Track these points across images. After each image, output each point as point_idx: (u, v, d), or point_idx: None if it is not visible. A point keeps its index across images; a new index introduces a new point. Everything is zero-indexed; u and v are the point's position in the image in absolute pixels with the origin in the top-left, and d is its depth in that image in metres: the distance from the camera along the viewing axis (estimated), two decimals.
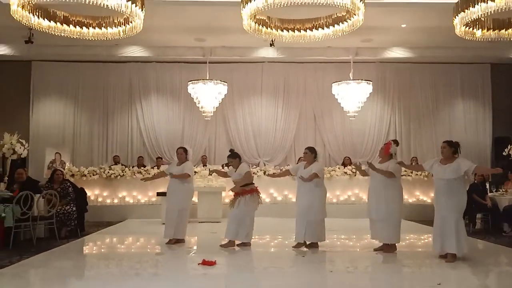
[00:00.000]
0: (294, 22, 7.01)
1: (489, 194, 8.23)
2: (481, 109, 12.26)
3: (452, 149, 5.25)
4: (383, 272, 5.00)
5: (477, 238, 7.04)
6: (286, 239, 6.45)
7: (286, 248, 6.08)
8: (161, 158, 11.35)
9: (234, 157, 6.23)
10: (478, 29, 6.41)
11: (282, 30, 6.97)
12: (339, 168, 10.33)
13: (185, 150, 6.44)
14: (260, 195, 6.15)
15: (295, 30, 6.96)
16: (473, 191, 7.93)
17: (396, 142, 6.05)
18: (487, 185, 8.68)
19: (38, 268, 5.10)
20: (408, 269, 5.07)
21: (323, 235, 5.95)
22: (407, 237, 6.93)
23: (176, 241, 6.27)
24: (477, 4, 5.47)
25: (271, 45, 10.19)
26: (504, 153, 9.78)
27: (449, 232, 5.12)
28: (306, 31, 6.97)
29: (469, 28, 6.39)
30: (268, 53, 10.99)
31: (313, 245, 5.91)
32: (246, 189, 6.01)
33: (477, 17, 5.70)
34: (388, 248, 5.63)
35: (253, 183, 6.14)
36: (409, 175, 9.93)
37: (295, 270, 5.02)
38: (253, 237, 6.18)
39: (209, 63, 10.63)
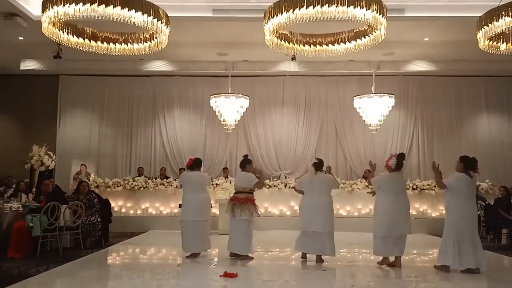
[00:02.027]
0: (316, 37, 7.07)
1: None
2: (506, 122, 12.00)
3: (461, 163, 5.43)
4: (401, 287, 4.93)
5: (502, 254, 6.86)
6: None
7: (307, 262, 6.06)
8: (184, 169, 11.46)
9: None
10: (503, 42, 6.34)
11: (304, 45, 7.04)
12: (360, 182, 10.25)
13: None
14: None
15: (317, 45, 7.01)
16: (498, 205, 7.77)
17: (401, 156, 5.89)
18: None
19: (64, 278, 5.23)
20: (426, 284, 4.97)
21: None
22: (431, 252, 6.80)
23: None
24: (501, 18, 5.42)
25: (292, 59, 10.26)
26: None
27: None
28: (327, 45, 7.01)
29: (493, 42, 6.32)
30: (290, 67, 11.05)
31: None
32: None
33: (501, 31, 5.64)
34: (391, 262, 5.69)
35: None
36: (432, 189, 9.79)
37: (315, 284, 4.99)
38: (274, 250, 6.18)
39: (231, 76, 10.77)
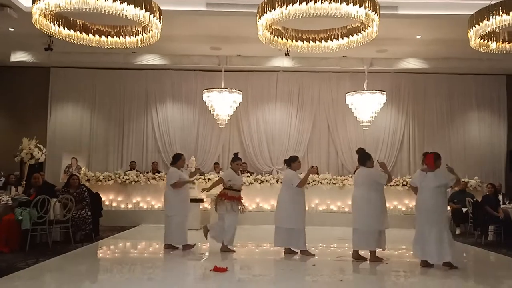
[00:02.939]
0: (309, 33, 7.07)
1: (502, 206, 8.14)
2: (496, 121, 12.13)
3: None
4: (389, 281, 4.98)
5: (489, 250, 6.98)
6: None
7: (297, 256, 6.11)
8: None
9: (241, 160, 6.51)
10: (493, 41, 6.40)
11: (297, 41, 7.04)
12: (351, 177, 10.30)
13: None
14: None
15: (310, 41, 7.02)
16: (486, 202, 7.88)
17: (357, 150, 6.09)
18: (500, 197, 8.60)
19: (53, 271, 5.22)
20: (415, 279, 5.04)
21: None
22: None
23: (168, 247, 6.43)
24: (492, 17, 5.47)
25: (286, 54, 10.25)
26: None
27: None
28: (321, 42, 7.02)
29: (484, 41, 6.38)
30: (283, 62, 11.06)
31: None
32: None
33: (491, 30, 5.69)
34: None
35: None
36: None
37: (305, 278, 5.03)
38: (265, 245, 6.23)
39: (224, 71, 10.75)
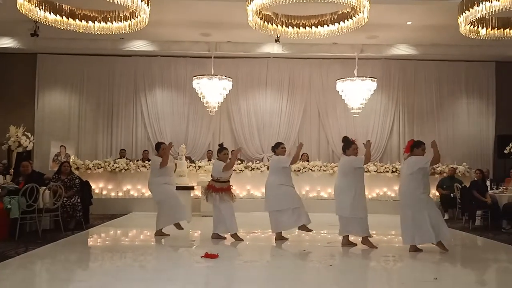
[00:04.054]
0: (300, 18, 7.03)
1: (490, 191, 8.27)
2: (485, 107, 12.24)
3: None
4: (378, 266, 5.05)
5: (476, 234, 7.11)
6: (288, 234, 6.50)
7: (288, 243, 6.16)
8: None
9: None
10: (483, 27, 6.42)
11: (288, 26, 7.00)
12: None
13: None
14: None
15: (300, 27, 6.98)
16: (474, 188, 7.99)
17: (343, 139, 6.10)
18: (488, 182, 8.73)
19: (43, 259, 5.20)
20: (404, 263, 5.12)
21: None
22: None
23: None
24: (482, 3, 5.48)
25: (276, 41, 10.20)
26: (505, 151, 9.81)
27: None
28: (311, 28, 6.99)
29: (473, 27, 6.39)
30: (274, 49, 11.00)
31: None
32: None
33: (481, 16, 5.70)
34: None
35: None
36: None
37: (295, 264, 5.08)
38: (256, 232, 6.27)
39: (214, 58, 10.65)
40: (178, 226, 6.45)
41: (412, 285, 4.20)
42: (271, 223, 6.22)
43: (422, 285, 4.14)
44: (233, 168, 6.47)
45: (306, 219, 6.15)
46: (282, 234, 6.25)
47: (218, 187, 6.23)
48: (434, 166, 9.49)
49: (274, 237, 6.24)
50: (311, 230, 6.20)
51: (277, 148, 6.32)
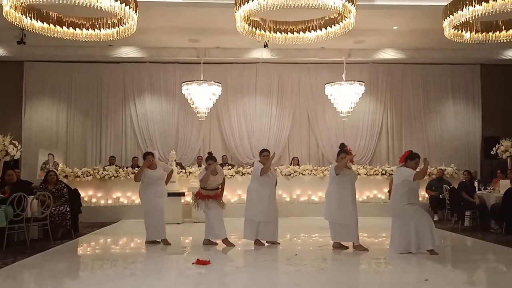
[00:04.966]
0: (287, 24, 7.09)
1: (478, 192, 8.38)
2: (471, 109, 12.43)
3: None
4: (370, 268, 5.08)
5: (465, 235, 7.18)
6: (280, 238, 6.50)
7: (280, 247, 6.16)
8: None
9: (216, 160, 6.37)
10: (467, 31, 6.53)
11: (276, 32, 7.05)
12: None
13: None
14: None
15: (288, 32, 7.03)
16: (462, 189, 8.09)
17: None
18: (476, 183, 8.85)
19: (32, 269, 5.13)
20: (395, 265, 5.15)
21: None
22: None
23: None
24: (465, 8, 5.59)
25: (265, 46, 10.25)
26: (492, 152, 9.96)
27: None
28: (299, 33, 7.05)
29: (458, 31, 6.51)
30: (262, 54, 11.06)
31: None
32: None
33: (465, 20, 5.81)
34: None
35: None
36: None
37: (287, 268, 5.08)
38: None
39: (203, 63, 10.66)
40: (166, 242, 6.37)
41: (403, 286, 4.22)
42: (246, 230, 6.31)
43: (413, 286, 4.17)
44: (220, 175, 6.43)
45: (263, 235, 6.18)
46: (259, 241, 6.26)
47: (205, 195, 6.23)
48: None
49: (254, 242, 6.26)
50: (263, 245, 6.21)
51: (260, 155, 6.36)
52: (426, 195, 9.59)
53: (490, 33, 6.50)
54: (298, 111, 12.26)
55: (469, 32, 6.52)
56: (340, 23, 6.50)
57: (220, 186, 6.41)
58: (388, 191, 6.25)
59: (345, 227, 5.77)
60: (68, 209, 7.11)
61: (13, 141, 9.34)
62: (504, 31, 6.61)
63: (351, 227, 5.76)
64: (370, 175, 10.16)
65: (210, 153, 6.48)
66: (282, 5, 5.62)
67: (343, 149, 5.97)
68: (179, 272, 4.95)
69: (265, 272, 4.84)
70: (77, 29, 6.82)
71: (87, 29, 6.83)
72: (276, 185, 6.59)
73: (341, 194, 5.79)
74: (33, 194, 6.75)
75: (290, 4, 5.63)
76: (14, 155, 9.28)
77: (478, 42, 6.73)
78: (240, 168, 10.25)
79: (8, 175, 7.07)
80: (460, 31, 6.52)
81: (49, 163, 10.71)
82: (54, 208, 6.85)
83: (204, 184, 6.23)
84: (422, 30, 9.67)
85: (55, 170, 8.62)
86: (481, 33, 6.50)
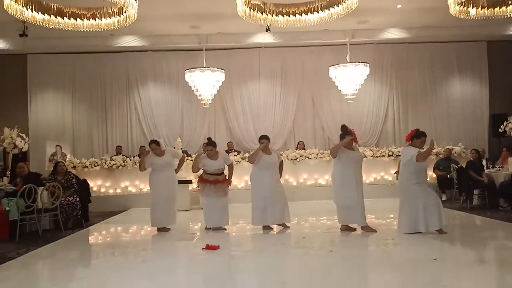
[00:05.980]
0: (289, 6, 6.99)
1: (486, 170, 8.33)
2: (478, 87, 12.27)
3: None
4: (378, 249, 5.11)
5: (474, 214, 7.18)
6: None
7: (289, 231, 6.20)
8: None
9: (215, 145, 6.40)
10: (472, 7, 6.41)
11: (277, 15, 6.95)
12: None
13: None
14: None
15: (290, 15, 6.94)
16: (470, 168, 8.05)
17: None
18: (484, 162, 8.79)
19: (45, 259, 5.22)
20: (403, 246, 5.17)
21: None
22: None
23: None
24: None
25: (267, 30, 10.14)
26: (500, 130, 9.86)
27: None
28: (301, 15, 6.95)
29: (463, 7, 6.38)
30: (265, 38, 10.95)
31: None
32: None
33: None
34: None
35: None
36: None
37: (296, 251, 5.12)
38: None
39: (205, 50, 10.59)
40: (164, 229, 6.48)
41: (413, 265, 4.25)
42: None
43: (422, 265, 4.19)
44: (222, 159, 6.45)
45: (272, 219, 6.21)
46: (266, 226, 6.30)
47: (205, 178, 6.31)
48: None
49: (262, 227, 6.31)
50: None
51: (259, 141, 6.39)
52: (434, 175, 9.56)
53: (497, 8, 6.36)
54: (303, 95, 12.18)
55: (474, 8, 6.39)
56: (343, 3, 6.39)
57: (222, 172, 6.44)
58: (395, 172, 6.19)
59: (350, 209, 5.76)
60: (77, 199, 7.20)
61: (20, 134, 9.42)
62: (511, 5, 6.47)
63: (356, 209, 5.73)
64: (377, 156, 10.13)
65: (209, 139, 6.54)
66: None
67: (346, 131, 5.90)
68: (190, 258, 5.01)
69: (274, 256, 4.89)
70: (78, 19, 6.78)
71: (88, 19, 6.80)
72: (282, 168, 6.55)
73: (343, 176, 5.75)
74: (43, 185, 6.83)
75: None
76: (22, 148, 9.36)
77: (484, 18, 6.60)
78: (246, 154, 10.25)
79: (19, 168, 7.16)
80: (465, 8, 6.40)
81: (57, 154, 10.79)
82: (64, 198, 6.93)
83: (195, 171, 6.37)
84: (427, 8, 9.50)
85: (63, 161, 8.68)
86: (487, 8, 6.36)
